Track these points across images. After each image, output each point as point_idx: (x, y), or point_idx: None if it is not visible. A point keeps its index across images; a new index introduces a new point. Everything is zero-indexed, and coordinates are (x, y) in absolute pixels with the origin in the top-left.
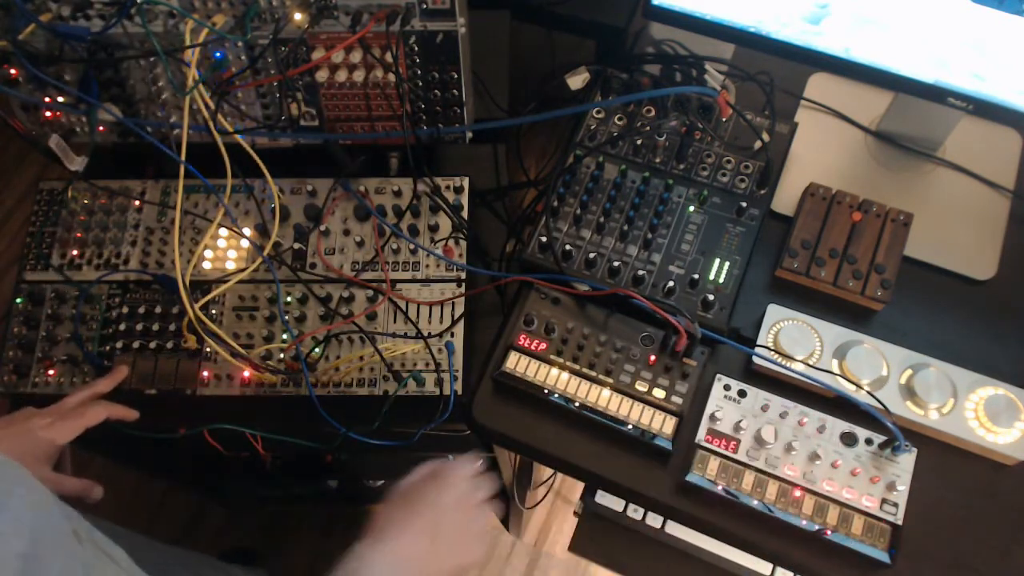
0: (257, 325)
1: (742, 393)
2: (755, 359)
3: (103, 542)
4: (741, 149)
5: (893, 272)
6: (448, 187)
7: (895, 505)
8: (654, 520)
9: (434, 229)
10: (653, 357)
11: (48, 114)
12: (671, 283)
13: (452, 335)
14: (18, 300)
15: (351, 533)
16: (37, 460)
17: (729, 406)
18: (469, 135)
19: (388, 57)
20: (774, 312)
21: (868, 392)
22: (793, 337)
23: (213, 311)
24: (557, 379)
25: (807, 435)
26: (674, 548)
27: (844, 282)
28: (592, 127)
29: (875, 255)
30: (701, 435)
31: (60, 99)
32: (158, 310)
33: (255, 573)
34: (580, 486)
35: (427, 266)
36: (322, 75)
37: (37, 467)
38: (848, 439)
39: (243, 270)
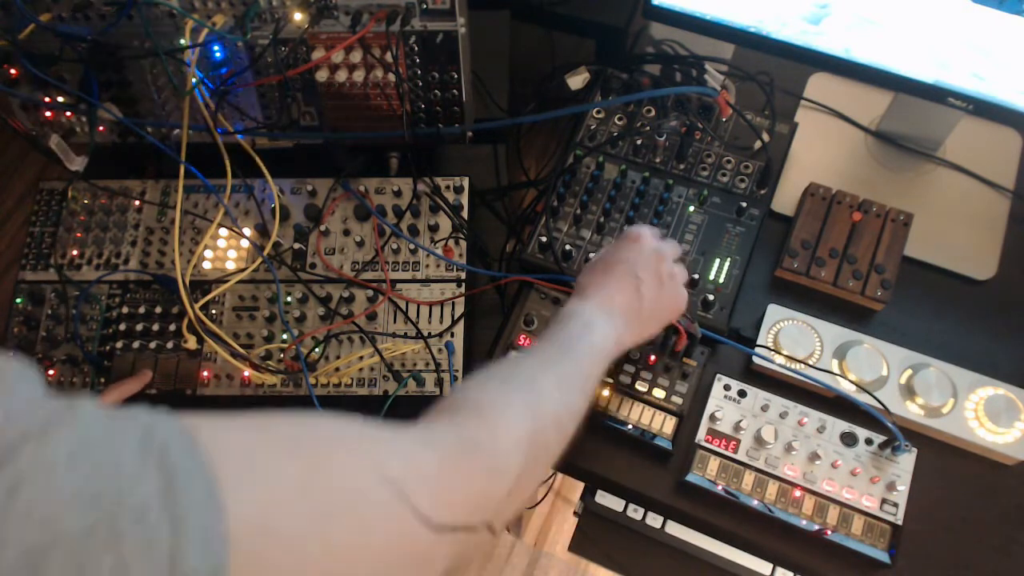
0: (257, 325)
1: (742, 393)
2: (755, 359)
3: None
4: (741, 149)
5: (893, 272)
6: (448, 187)
7: (895, 505)
8: (654, 520)
9: (434, 229)
10: (653, 357)
11: (48, 114)
12: None
13: (452, 335)
14: (18, 300)
15: None
16: None
17: (729, 406)
18: (469, 135)
19: (388, 57)
20: (774, 312)
21: (868, 392)
22: (793, 337)
23: (213, 311)
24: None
25: (807, 435)
26: (674, 548)
27: (844, 282)
28: (592, 127)
29: (875, 255)
30: (701, 435)
31: (60, 99)
32: (158, 310)
33: None
34: (580, 486)
35: (427, 266)
36: (322, 75)
37: None
38: (848, 439)
39: (243, 270)
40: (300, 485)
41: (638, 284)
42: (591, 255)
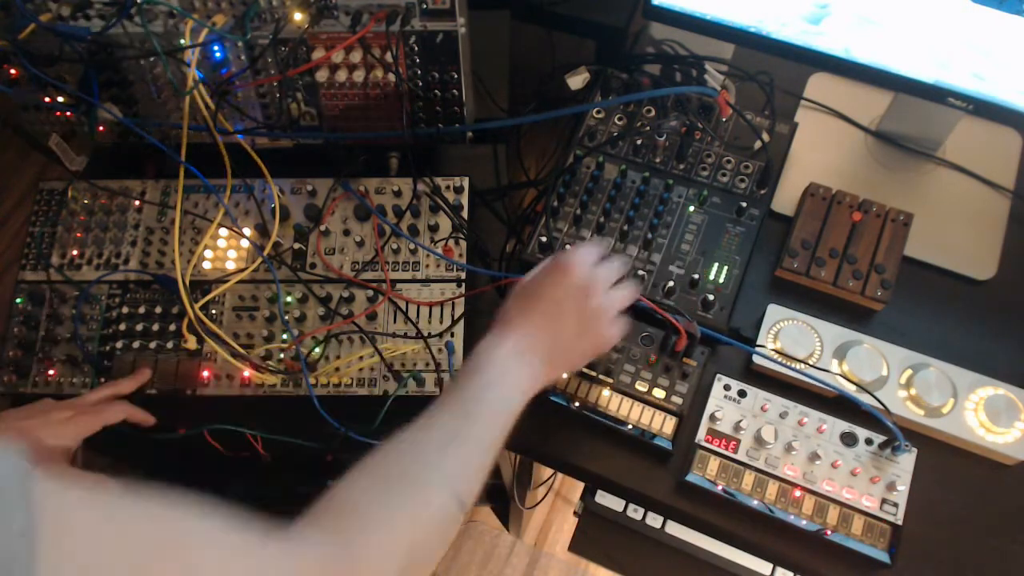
0: (257, 325)
1: (742, 393)
2: (755, 359)
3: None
4: (741, 149)
5: (893, 272)
6: (448, 187)
7: (895, 505)
8: (654, 520)
9: (434, 229)
10: (653, 357)
11: (48, 114)
12: (671, 283)
13: (452, 335)
14: (18, 300)
15: None
16: (55, 453)
17: (729, 406)
18: (469, 135)
19: (388, 57)
20: (774, 312)
21: (868, 392)
22: (793, 337)
23: (213, 311)
24: (557, 379)
25: (807, 435)
26: (674, 548)
27: (844, 282)
28: (592, 127)
29: (875, 255)
30: (701, 435)
31: (60, 99)
32: (158, 310)
33: None
34: (580, 486)
35: (427, 266)
36: (322, 75)
37: (54, 461)
38: (848, 439)
39: (243, 270)
40: None
41: (561, 321)
42: None
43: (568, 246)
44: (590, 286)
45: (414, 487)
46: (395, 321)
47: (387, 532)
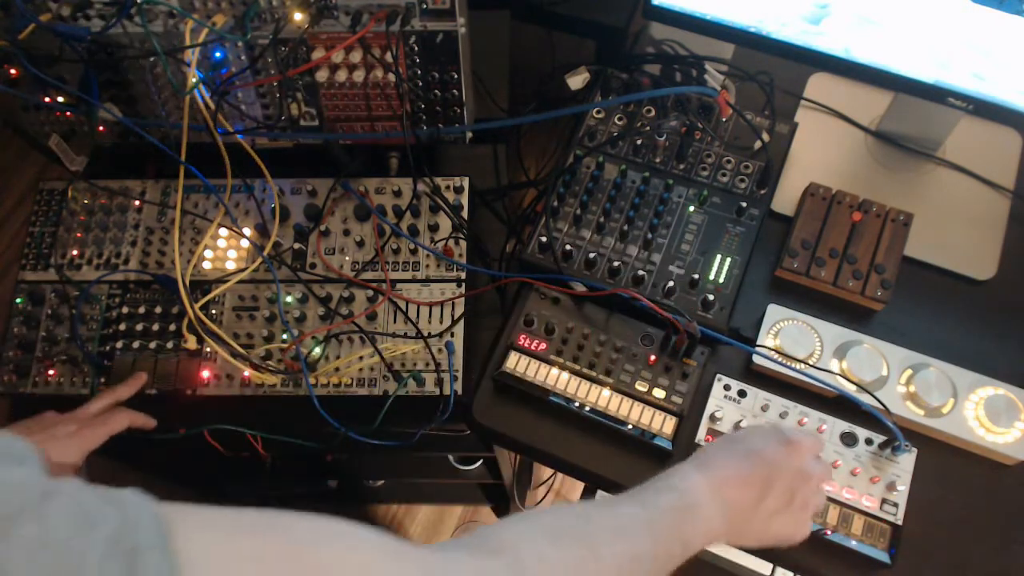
0: (257, 325)
1: (742, 393)
2: (755, 359)
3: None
4: (741, 149)
5: (893, 272)
6: (448, 187)
7: (895, 505)
8: None
9: (434, 229)
10: (653, 357)
11: (48, 114)
12: (671, 283)
13: (452, 335)
14: (18, 300)
15: None
16: (62, 469)
17: (729, 406)
18: (469, 135)
19: (388, 57)
20: (774, 312)
21: (868, 392)
22: (793, 337)
23: (213, 311)
24: (557, 379)
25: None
26: None
27: (844, 282)
28: (592, 127)
29: (875, 255)
30: (701, 435)
31: (60, 99)
32: (158, 310)
33: None
34: (580, 486)
35: (427, 266)
36: (322, 75)
37: (61, 476)
38: (848, 439)
39: (243, 270)
40: None
41: (766, 490)
42: (591, 255)
43: (568, 247)
44: (809, 475)
45: (577, 542)
46: (395, 321)
47: (547, 562)
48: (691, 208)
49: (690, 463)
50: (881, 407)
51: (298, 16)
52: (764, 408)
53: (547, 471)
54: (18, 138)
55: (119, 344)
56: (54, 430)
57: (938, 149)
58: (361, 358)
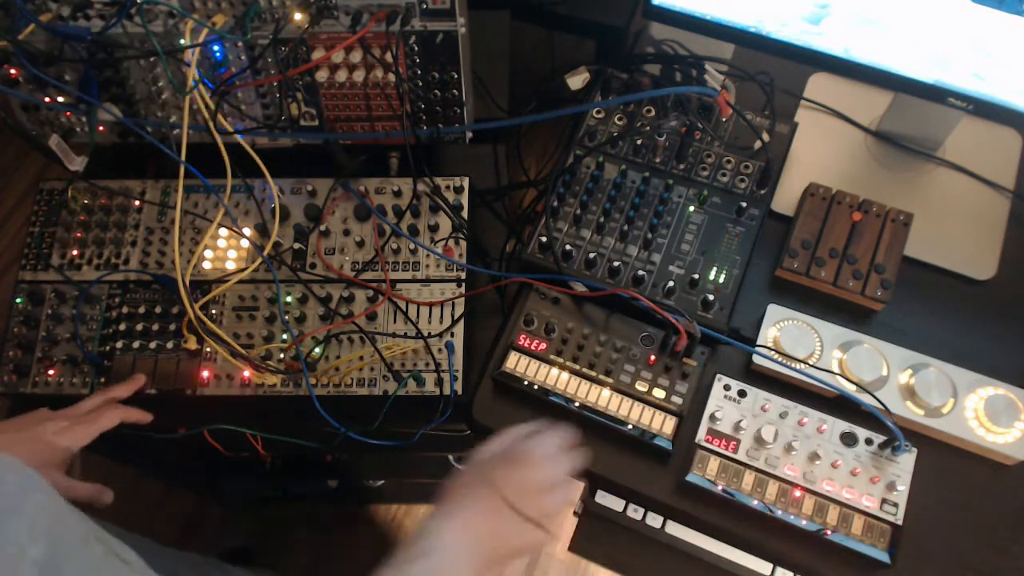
0: (257, 325)
1: (742, 393)
2: (755, 359)
3: (115, 544)
4: (741, 149)
5: (893, 272)
6: (448, 187)
7: (895, 505)
8: (654, 520)
9: (434, 229)
10: (653, 357)
11: (48, 114)
12: (671, 283)
13: (452, 335)
14: (18, 300)
15: (351, 533)
16: (50, 466)
17: (729, 406)
18: (469, 135)
19: (388, 57)
20: (774, 312)
21: (868, 392)
22: (793, 337)
23: (213, 311)
24: (557, 379)
25: (807, 435)
26: (674, 548)
27: (844, 282)
28: (592, 127)
29: (875, 255)
30: (701, 435)
31: (60, 99)
32: (158, 310)
33: (259, 573)
34: (580, 486)
35: (427, 266)
36: (322, 75)
37: (50, 473)
38: (848, 439)
39: (243, 270)
40: None
41: (509, 513)
42: (591, 255)
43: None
44: (543, 482)
45: None
46: (395, 321)
47: None
48: (691, 208)
49: (437, 517)
50: (881, 407)
51: (298, 16)
52: (764, 408)
53: None
54: (18, 138)
55: (119, 344)
56: (44, 427)
57: (938, 149)
58: (361, 358)
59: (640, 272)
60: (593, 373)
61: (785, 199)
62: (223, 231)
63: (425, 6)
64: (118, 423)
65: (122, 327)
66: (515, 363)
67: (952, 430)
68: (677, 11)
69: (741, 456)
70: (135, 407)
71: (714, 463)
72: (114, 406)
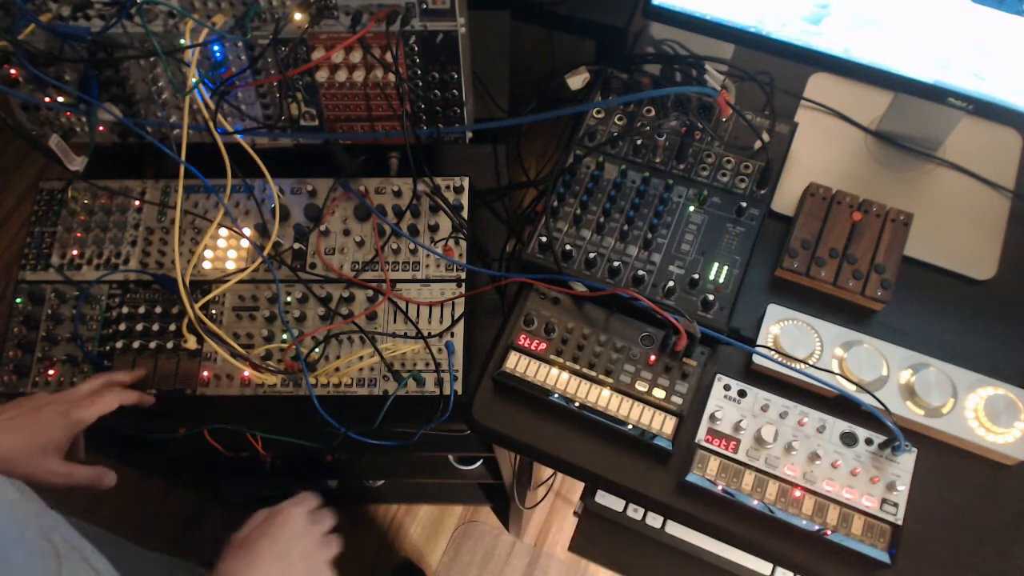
0: (257, 325)
1: (742, 393)
2: (755, 359)
3: (87, 551)
4: (741, 149)
5: (893, 272)
6: (448, 187)
7: (895, 505)
8: (654, 520)
9: (434, 229)
10: (653, 357)
11: (48, 114)
12: (671, 283)
13: (452, 335)
14: (18, 300)
15: (351, 533)
16: (47, 450)
17: (729, 406)
18: (469, 135)
19: (388, 57)
20: (774, 312)
21: (868, 392)
22: (793, 337)
23: (213, 311)
24: (557, 379)
25: (807, 435)
26: (674, 548)
27: (844, 282)
28: (592, 127)
29: (875, 255)
30: (701, 435)
31: (60, 99)
32: (158, 310)
33: None
34: (580, 486)
35: (427, 266)
36: (322, 75)
37: (46, 458)
38: (848, 439)
39: (243, 270)
40: None
41: (286, 570)
42: (591, 255)
43: (568, 247)
44: (310, 534)
45: None
46: (395, 321)
47: None
48: (691, 208)
49: None
50: (881, 407)
51: (298, 16)
52: (764, 408)
53: (547, 471)
54: (18, 138)
55: (119, 344)
56: (42, 411)
57: (938, 149)
58: (361, 358)
59: (640, 272)
60: (593, 373)
61: (785, 199)
62: (223, 231)
63: (425, 6)
64: (117, 406)
65: (122, 327)
66: (515, 363)
67: (952, 430)
68: (677, 11)
69: (741, 456)
70: (137, 391)
71: (714, 463)
72: (114, 388)
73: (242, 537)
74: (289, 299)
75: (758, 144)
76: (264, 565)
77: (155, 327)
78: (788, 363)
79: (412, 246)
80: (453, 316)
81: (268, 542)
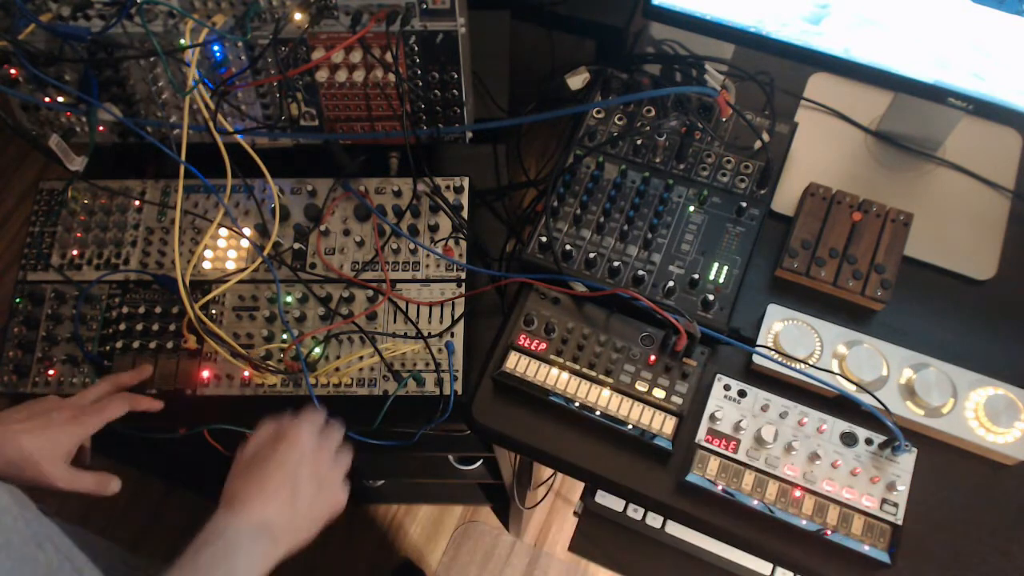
0: (257, 325)
1: (742, 393)
2: (755, 359)
3: (80, 561)
4: (741, 149)
5: (893, 272)
6: (448, 187)
7: (895, 505)
8: (654, 520)
9: (434, 229)
10: (653, 357)
11: (48, 114)
12: (671, 283)
13: (452, 335)
14: (18, 300)
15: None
16: (55, 455)
17: (729, 406)
18: (469, 135)
19: (388, 57)
20: (774, 312)
21: (868, 392)
22: (793, 337)
23: (213, 311)
24: (557, 379)
25: (807, 435)
26: (674, 548)
27: (844, 282)
28: (592, 127)
29: (875, 255)
30: (701, 435)
31: (60, 99)
32: (158, 310)
33: None
34: (580, 486)
35: (427, 266)
36: (322, 75)
37: (54, 463)
38: (848, 439)
39: (243, 270)
40: None
41: (296, 492)
42: (591, 255)
43: (568, 247)
44: (320, 451)
45: None
46: (395, 321)
47: None
48: (691, 208)
49: (219, 510)
50: (881, 407)
51: (298, 16)
52: (764, 408)
53: (547, 471)
54: (18, 138)
55: (119, 344)
56: (49, 416)
57: (938, 149)
58: (361, 358)
59: (640, 272)
60: (593, 373)
61: (785, 199)
62: (223, 231)
63: (425, 6)
64: (126, 411)
65: (122, 327)
66: (515, 363)
67: (952, 430)
68: (677, 11)
69: (741, 456)
70: (145, 396)
71: (714, 463)
72: (122, 394)
73: (249, 456)
74: (289, 299)
75: (758, 144)
76: (273, 490)
77: (155, 327)
78: (788, 363)
79: (412, 246)
80: (453, 316)
81: (275, 465)
